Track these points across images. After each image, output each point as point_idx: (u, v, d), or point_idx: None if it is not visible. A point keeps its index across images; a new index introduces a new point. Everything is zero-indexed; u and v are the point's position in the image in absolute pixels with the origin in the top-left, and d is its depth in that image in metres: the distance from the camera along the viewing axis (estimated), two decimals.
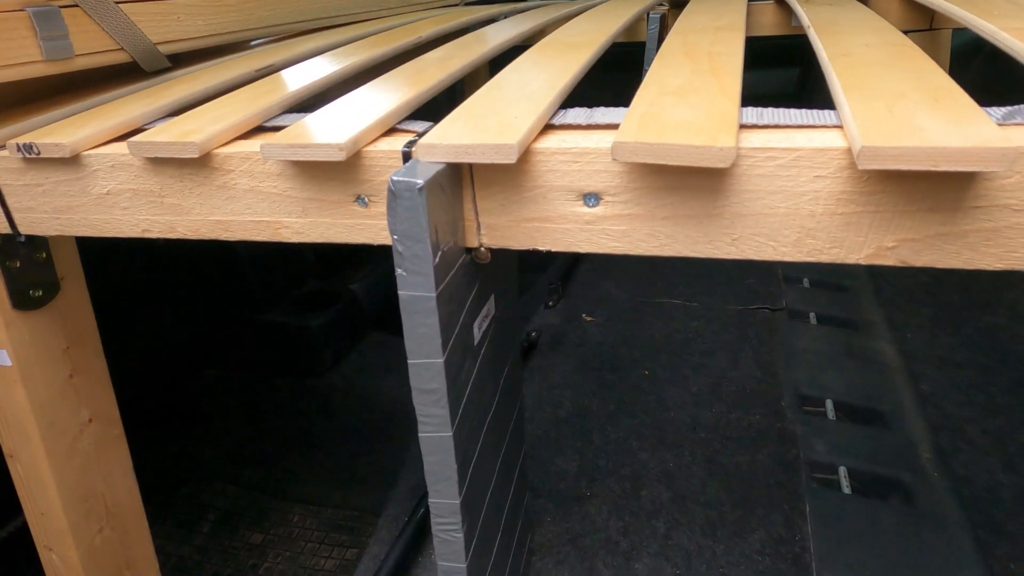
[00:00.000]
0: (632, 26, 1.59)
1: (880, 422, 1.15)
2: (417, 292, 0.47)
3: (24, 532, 1.32)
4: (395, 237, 0.46)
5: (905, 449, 1.08)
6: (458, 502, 0.55)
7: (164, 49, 0.83)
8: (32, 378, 0.76)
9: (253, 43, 1.06)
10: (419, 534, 0.94)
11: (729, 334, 1.42)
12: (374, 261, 1.93)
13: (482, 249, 0.53)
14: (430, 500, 0.57)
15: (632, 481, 1.03)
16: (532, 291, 1.68)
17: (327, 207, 0.55)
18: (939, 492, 0.98)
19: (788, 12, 1.47)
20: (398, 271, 0.47)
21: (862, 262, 0.45)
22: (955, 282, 1.60)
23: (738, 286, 1.64)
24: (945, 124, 0.39)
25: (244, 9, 0.96)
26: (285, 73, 0.76)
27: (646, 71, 1.72)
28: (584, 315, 1.52)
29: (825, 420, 1.16)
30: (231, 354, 1.64)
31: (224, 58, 0.90)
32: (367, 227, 0.54)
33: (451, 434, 0.52)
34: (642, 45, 1.66)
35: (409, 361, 0.50)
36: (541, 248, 0.51)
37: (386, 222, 0.54)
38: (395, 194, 0.44)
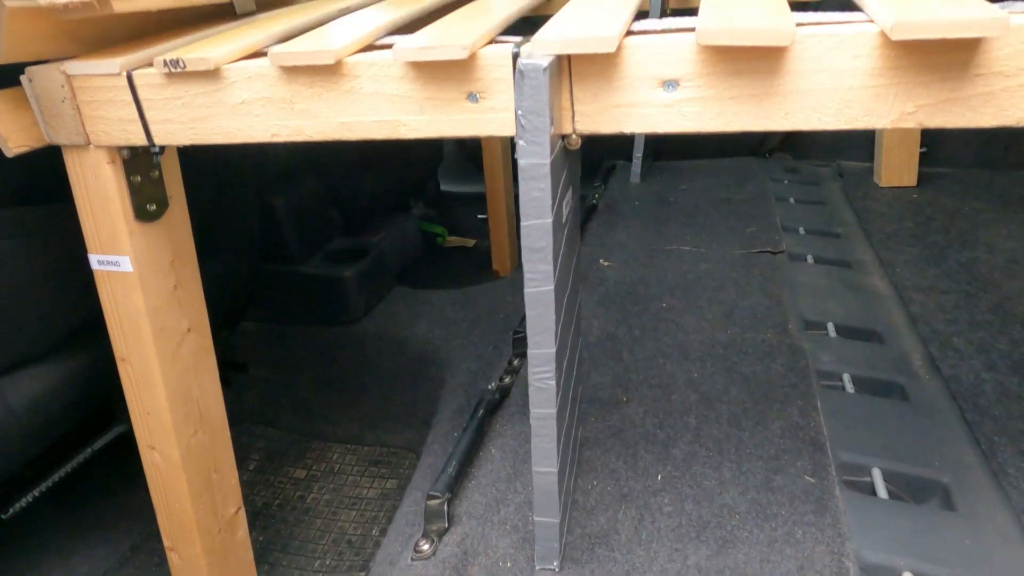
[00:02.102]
0: None
1: (876, 339, 1.29)
2: (535, 160, 0.58)
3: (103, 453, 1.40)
4: (519, 112, 0.57)
5: (900, 359, 1.21)
6: (553, 351, 0.67)
7: None
8: (148, 285, 0.86)
9: None
10: (479, 433, 1.05)
11: (736, 272, 1.55)
12: (394, 221, 2.03)
13: (574, 136, 0.65)
14: (530, 352, 0.68)
15: (663, 388, 1.15)
16: None
17: (442, 105, 0.65)
18: (931, 389, 1.12)
19: None
20: (519, 143, 0.58)
21: (888, 126, 0.57)
22: (937, 226, 1.75)
23: (740, 234, 1.77)
24: (953, 7, 0.51)
25: None
26: (368, 10, 0.87)
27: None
28: (601, 260, 1.64)
29: (828, 338, 1.30)
30: (268, 306, 1.73)
31: (300, 4, 1.00)
32: (477, 121, 0.65)
33: (552, 288, 0.64)
34: (643, 12, 1.78)
35: (523, 223, 0.61)
36: (626, 131, 0.63)
37: (494, 115, 0.65)
38: (523, 74, 0.55)
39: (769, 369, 1.18)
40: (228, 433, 1.07)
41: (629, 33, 0.62)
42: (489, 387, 1.14)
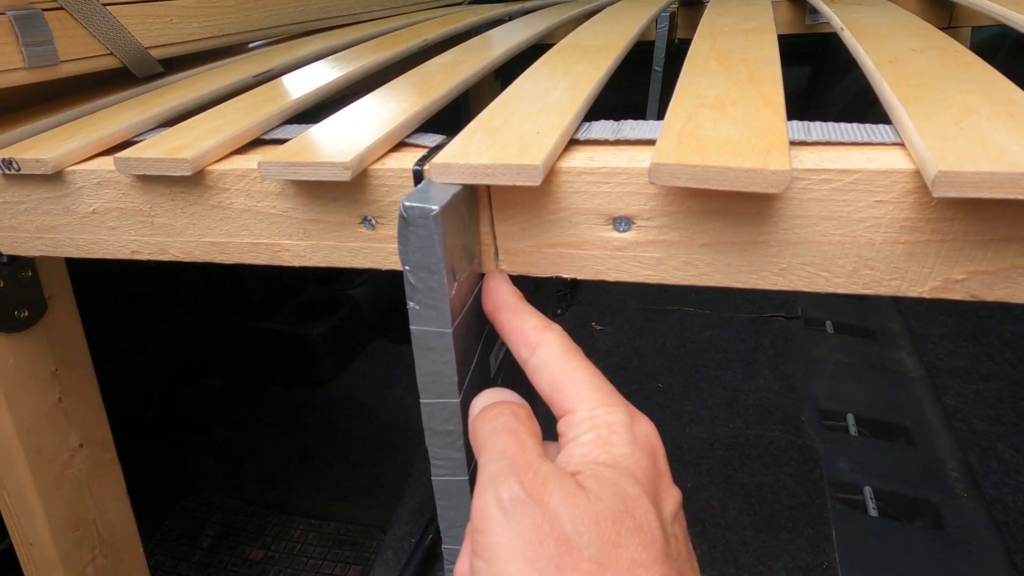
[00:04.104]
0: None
1: (904, 438, 1.11)
2: (431, 327, 0.42)
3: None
4: (407, 268, 0.41)
5: (932, 467, 1.03)
6: None
7: (156, 53, 0.78)
8: (18, 404, 0.72)
9: (251, 45, 1.02)
10: (427, 559, 0.90)
11: (744, 343, 1.37)
12: None
13: None
14: (444, 546, 0.52)
15: None
16: (539, 295, 1.64)
17: (330, 229, 0.50)
18: (970, 515, 0.94)
19: (802, 11, 1.42)
20: (410, 304, 0.42)
21: (926, 295, 0.40)
22: None
23: (751, 291, 1.59)
24: None
25: (241, 10, 0.91)
26: (285, 79, 0.72)
27: (656, 71, 1.64)
28: (594, 323, 1.48)
29: (847, 436, 1.12)
30: (230, 363, 1.60)
31: (220, 62, 0.86)
32: (374, 250, 0.50)
33: (467, 478, 0.48)
34: (648, 43, 1.61)
35: (422, 401, 0.46)
36: (565, 276, 0.47)
37: (395, 245, 0.49)
38: (407, 221, 0.39)
39: (776, 480, 1.01)
40: (140, 551, 0.93)
41: (573, 142, 0.46)
42: None
